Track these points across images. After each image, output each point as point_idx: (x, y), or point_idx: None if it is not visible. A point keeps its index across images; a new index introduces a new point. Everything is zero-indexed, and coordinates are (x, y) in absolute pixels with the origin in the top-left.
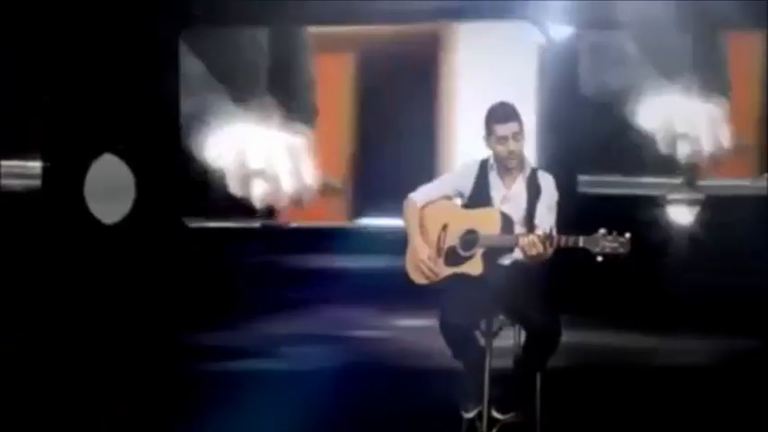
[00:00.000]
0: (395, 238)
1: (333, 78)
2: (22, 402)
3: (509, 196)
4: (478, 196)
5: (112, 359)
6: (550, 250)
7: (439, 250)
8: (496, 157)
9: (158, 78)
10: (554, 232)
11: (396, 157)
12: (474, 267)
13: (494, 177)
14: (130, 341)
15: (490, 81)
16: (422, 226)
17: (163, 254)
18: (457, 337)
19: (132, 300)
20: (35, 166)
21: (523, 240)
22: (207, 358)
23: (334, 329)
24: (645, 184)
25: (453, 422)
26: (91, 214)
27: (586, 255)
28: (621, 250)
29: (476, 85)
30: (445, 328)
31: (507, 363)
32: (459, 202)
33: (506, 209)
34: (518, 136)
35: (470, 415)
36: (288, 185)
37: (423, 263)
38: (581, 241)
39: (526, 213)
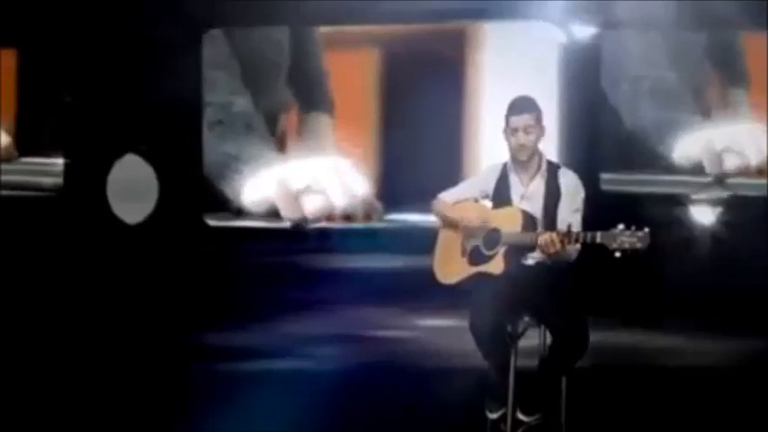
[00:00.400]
0: (417, 238)
1: (356, 75)
2: (42, 401)
3: (527, 195)
4: (500, 196)
5: (134, 358)
6: (572, 250)
7: (464, 250)
8: (510, 150)
9: (181, 79)
10: (572, 229)
11: (420, 155)
12: (495, 266)
13: (513, 177)
14: (152, 340)
15: (513, 80)
16: (451, 224)
17: (185, 253)
18: (485, 337)
19: (154, 299)
20: (58, 163)
21: (542, 238)
22: (229, 358)
23: (356, 329)
24: (671, 183)
25: (477, 423)
26: (114, 214)
27: (609, 254)
28: (639, 245)
29: (499, 85)
30: (473, 328)
31: (533, 363)
32: (487, 202)
33: (525, 207)
34: (530, 129)
35: (495, 416)
36: (337, 199)
37: (437, 267)
38: (598, 237)
39: (544, 212)
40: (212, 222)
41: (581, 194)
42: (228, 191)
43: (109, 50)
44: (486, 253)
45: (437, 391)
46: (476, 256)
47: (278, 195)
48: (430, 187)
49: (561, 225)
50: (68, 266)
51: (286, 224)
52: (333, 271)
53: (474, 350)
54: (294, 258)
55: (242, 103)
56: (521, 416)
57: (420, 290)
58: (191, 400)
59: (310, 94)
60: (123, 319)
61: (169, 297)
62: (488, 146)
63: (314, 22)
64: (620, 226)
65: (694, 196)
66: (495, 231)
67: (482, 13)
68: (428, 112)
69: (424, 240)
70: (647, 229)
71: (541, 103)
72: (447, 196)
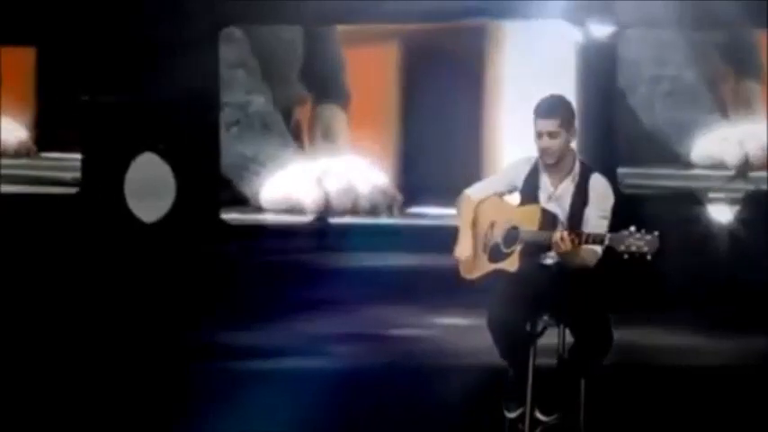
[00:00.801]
0: (434, 236)
1: (377, 69)
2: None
3: (554, 196)
4: (527, 193)
5: (151, 354)
6: (591, 255)
7: (485, 246)
8: (538, 152)
9: (198, 78)
10: (585, 230)
11: (440, 149)
12: (511, 264)
13: (543, 175)
14: (168, 337)
15: (531, 77)
16: (475, 222)
17: (202, 252)
18: (502, 335)
19: (171, 297)
20: (76, 157)
21: (554, 236)
22: (245, 356)
23: (372, 328)
24: (691, 177)
25: (495, 422)
26: (131, 212)
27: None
28: (646, 249)
29: (518, 82)
30: (491, 324)
31: (553, 362)
32: (515, 196)
33: (551, 208)
34: (555, 134)
35: (513, 415)
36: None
37: (459, 261)
38: (607, 239)
39: (570, 215)
40: (229, 217)
41: (610, 201)
42: (248, 189)
43: (126, 50)
44: (505, 251)
45: (455, 390)
46: (495, 254)
47: (300, 187)
48: (450, 181)
49: (587, 229)
50: (86, 264)
51: (308, 218)
52: (349, 269)
53: (492, 348)
54: (311, 257)
55: (259, 102)
56: (539, 415)
57: (437, 288)
58: (206, 397)
59: (325, 86)
60: (140, 316)
61: (185, 295)
62: (507, 141)
63: (333, 20)
64: (632, 228)
65: (716, 191)
66: (515, 229)
67: (501, 12)
68: (447, 107)
69: (440, 239)
70: (656, 233)
71: None
72: (473, 192)
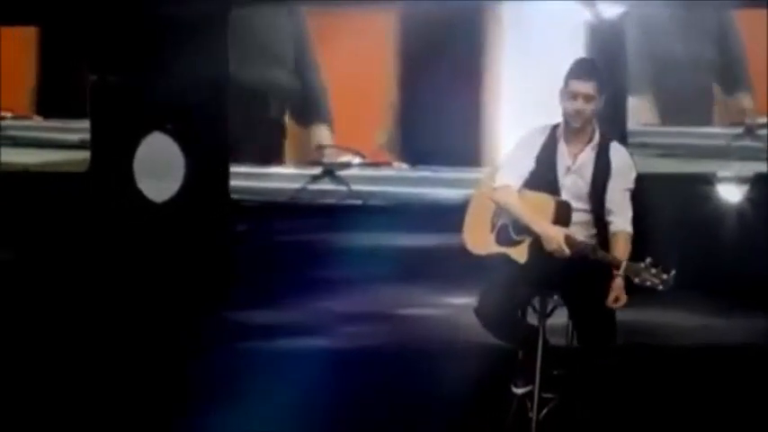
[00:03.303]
0: (447, 215)
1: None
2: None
3: (574, 168)
4: (544, 162)
5: (161, 334)
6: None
7: (493, 225)
8: (564, 113)
9: (207, 57)
10: (595, 243)
11: (439, 121)
12: (519, 254)
13: (561, 145)
14: (178, 317)
15: (537, 55)
16: (479, 202)
17: (212, 231)
18: (492, 322)
19: (180, 276)
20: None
21: (554, 240)
22: (255, 336)
23: (384, 307)
24: (703, 135)
25: (505, 398)
26: (140, 192)
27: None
28: (661, 287)
29: (522, 60)
30: (479, 315)
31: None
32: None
33: (569, 182)
34: (590, 98)
35: (520, 391)
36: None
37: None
38: (623, 268)
39: (592, 189)
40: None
41: (633, 173)
42: None
43: (135, 29)
44: (514, 237)
45: (465, 367)
46: (503, 236)
47: None
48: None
49: (610, 204)
50: (96, 244)
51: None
52: (359, 248)
53: None
54: (321, 236)
55: None
56: (546, 394)
57: (449, 267)
58: (216, 376)
59: (309, 109)
60: (150, 296)
61: (196, 274)
62: (510, 124)
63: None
64: (648, 260)
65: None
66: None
67: None
68: (449, 88)
69: (452, 218)
70: (673, 272)
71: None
72: (509, 178)
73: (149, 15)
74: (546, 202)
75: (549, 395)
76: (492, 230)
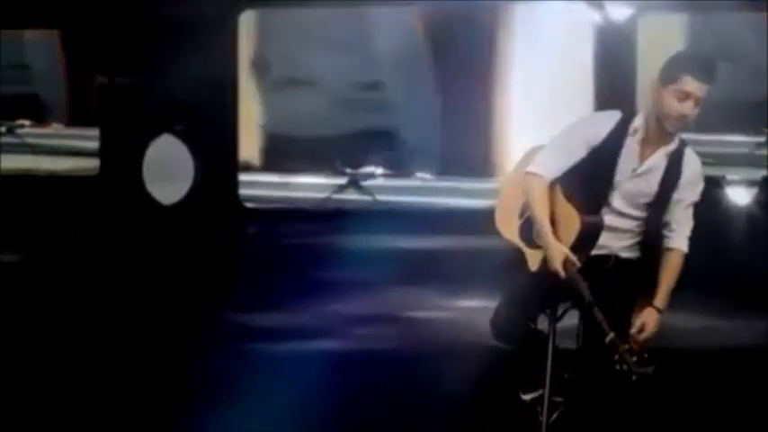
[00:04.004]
0: (457, 219)
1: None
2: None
3: (640, 171)
4: (601, 156)
5: (170, 337)
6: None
7: (521, 213)
8: (660, 113)
9: (217, 59)
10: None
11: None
12: (533, 260)
13: (630, 143)
14: (187, 320)
15: (546, 58)
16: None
17: (221, 234)
18: (504, 337)
19: (190, 280)
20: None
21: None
22: (264, 338)
23: (394, 310)
24: (715, 143)
25: (512, 403)
26: (149, 194)
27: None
28: (633, 378)
29: (532, 63)
30: (491, 327)
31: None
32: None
33: (630, 186)
34: (700, 102)
35: (528, 397)
36: None
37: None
38: (608, 338)
39: (657, 197)
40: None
41: (701, 186)
42: None
43: (144, 30)
44: (534, 238)
45: (474, 372)
46: (525, 232)
47: None
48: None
49: (670, 217)
50: (104, 246)
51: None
52: (369, 251)
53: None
54: (330, 238)
55: None
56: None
57: (459, 270)
58: (224, 379)
59: None
60: (158, 299)
61: (205, 278)
62: (519, 128)
63: (351, 0)
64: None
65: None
66: (553, 224)
67: None
68: (459, 89)
69: (462, 221)
70: (652, 368)
71: (575, 84)
72: (547, 168)
73: (158, 17)
74: (573, 221)
75: (558, 399)
76: (519, 218)
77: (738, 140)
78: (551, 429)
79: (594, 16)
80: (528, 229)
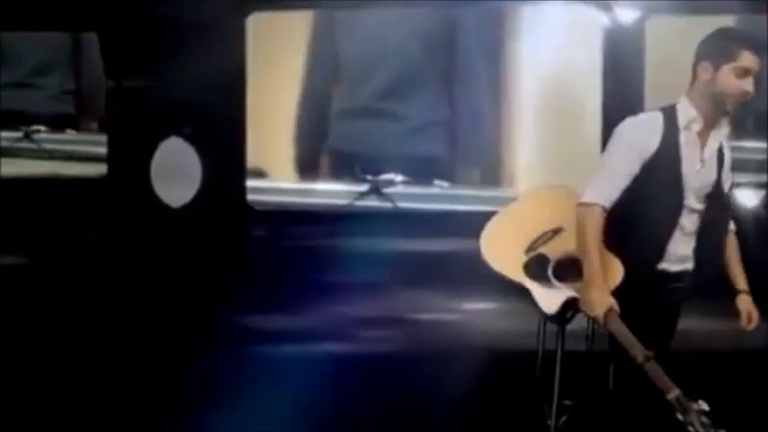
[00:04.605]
0: (465, 221)
1: None
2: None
3: (705, 161)
4: (664, 162)
5: (177, 340)
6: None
7: (529, 247)
8: (718, 95)
9: (225, 62)
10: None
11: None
12: (549, 304)
13: (688, 136)
14: (195, 323)
15: (554, 60)
16: (522, 207)
17: (229, 236)
18: None
19: (197, 282)
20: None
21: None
22: (272, 341)
23: (400, 313)
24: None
25: (521, 406)
26: (157, 197)
27: None
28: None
29: (537, 66)
30: None
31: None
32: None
33: (698, 181)
34: (755, 78)
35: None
36: None
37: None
38: (673, 396)
39: (715, 187)
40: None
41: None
42: None
43: (152, 32)
44: (551, 278)
45: (481, 374)
46: (536, 269)
47: None
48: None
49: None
50: (111, 250)
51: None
52: (376, 254)
53: (519, 332)
54: (338, 241)
55: None
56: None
57: (464, 273)
58: (231, 382)
59: None
60: (166, 302)
61: (213, 280)
62: (526, 130)
63: (362, 3)
64: (703, 404)
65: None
66: (576, 263)
67: None
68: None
69: (468, 224)
70: None
71: (583, 86)
72: (602, 196)
73: (166, 19)
74: (612, 262)
75: (568, 402)
76: (525, 252)
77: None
78: None
79: (602, 18)
80: (541, 265)
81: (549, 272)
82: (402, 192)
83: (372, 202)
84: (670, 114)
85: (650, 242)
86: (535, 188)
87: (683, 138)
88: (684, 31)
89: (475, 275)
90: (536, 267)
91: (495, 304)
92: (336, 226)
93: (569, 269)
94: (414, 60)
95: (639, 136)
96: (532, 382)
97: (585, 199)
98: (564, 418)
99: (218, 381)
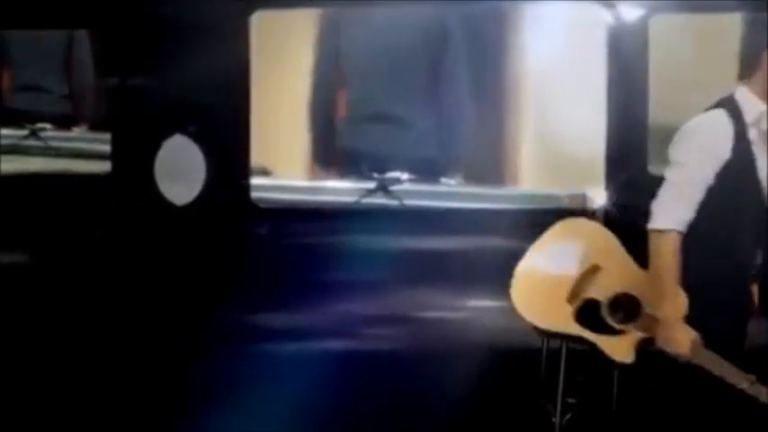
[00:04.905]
0: (469, 219)
1: None
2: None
3: None
4: (739, 175)
5: (181, 337)
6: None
7: (573, 294)
8: None
9: (229, 60)
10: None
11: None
12: (619, 351)
13: (756, 133)
14: (199, 321)
15: (558, 60)
16: (546, 254)
17: (233, 234)
18: None
19: (202, 280)
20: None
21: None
22: (276, 339)
23: (404, 310)
24: None
25: (525, 404)
26: (161, 195)
27: None
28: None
29: (543, 64)
30: None
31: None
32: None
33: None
34: None
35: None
36: None
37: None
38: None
39: None
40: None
41: None
42: None
43: (156, 30)
44: (611, 322)
45: (483, 372)
46: (588, 316)
47: None
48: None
49: None
50: (115, 247)
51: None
52: (380, 251)
53: (523, 331)
54: (342, 239)
55: None
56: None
57: (469, 271)
58: (234, 379)
59: None
60: (170, 300)
61: (217, 278)
62: (530, 133)
63: (366, 1)
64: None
65: None
66: (631, 299)
67: None
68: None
69: (472, 222)
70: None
71: (587, 88)
72: (674, 219)
73: (171, 17)
74: (676, 294)
75: (572, 400)
76: (570, 302)
77: None
78: (564, 431)
79: (606, 16)
80: (592, 310)
81: (606, 317)
82: (409, 189)
83: (379, 200)
84: (732, 110)
85: (737, 267)
86: (553, 229)
87: (752, 134)
88: (688, 30)
89: (481, 273)
90: (588, 315)
91: (501, 302)
92: (343, 224)
93: (624, 308)
94: (417, 59)
95: (712, 140)
96: (537, 380)
97: (658, 225)
98: (568, 416)
99: (222, 378)
